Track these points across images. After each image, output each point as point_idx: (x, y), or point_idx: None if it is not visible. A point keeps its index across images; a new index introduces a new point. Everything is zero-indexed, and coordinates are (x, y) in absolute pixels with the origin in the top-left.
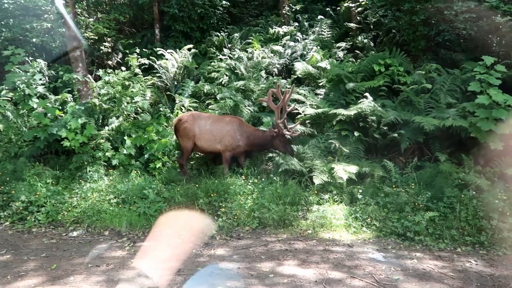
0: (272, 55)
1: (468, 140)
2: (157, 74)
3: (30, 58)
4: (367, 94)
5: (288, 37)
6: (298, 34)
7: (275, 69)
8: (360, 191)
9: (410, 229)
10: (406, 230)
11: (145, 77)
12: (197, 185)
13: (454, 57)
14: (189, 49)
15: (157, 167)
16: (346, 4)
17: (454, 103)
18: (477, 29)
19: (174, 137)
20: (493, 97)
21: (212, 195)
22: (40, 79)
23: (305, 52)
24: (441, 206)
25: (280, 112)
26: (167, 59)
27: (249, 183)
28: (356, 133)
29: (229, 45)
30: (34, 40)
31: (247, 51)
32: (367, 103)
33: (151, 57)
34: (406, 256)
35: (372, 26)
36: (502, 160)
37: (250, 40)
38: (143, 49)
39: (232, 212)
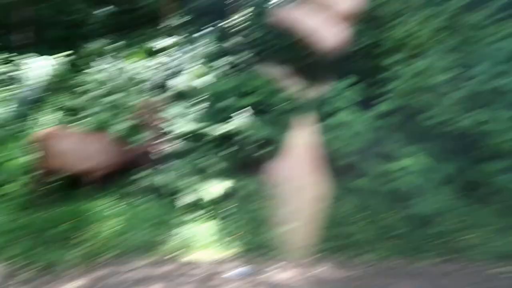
0: (149, 70)
1: None
2: (19, 85)
3: None
4: (243, 110)
5: (167, 51)
6: (178, 49)
7: (151, 85)
8: (230, 207)
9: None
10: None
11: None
12: (45, 213)
13: None
14: (59, 59)
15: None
16: (229, 21)
17: None
18: None
19: (37, 155)
20: None
21: (64, 223)
22: None
23: (183, 68)
24: None
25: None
26: (31, 69)
27: (112, 206)
28: (228, 150)
29: (104, 57)
30: None
31: (122, 65)
32: (241, 120)
33: (11, 65)
34: (270, 269)
35: (254, 43)
36: None
37: (127, 53)
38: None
39: (90, 240)
